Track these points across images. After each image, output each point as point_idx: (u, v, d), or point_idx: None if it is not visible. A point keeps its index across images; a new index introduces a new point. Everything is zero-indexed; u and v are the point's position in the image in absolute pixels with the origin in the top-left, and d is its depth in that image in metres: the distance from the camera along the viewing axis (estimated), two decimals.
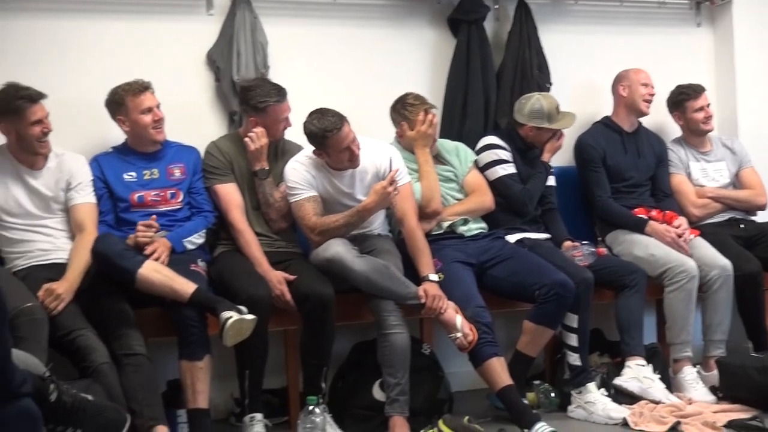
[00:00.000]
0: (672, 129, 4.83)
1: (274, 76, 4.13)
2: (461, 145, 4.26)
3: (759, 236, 4.51)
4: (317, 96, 4.16)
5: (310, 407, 3.32)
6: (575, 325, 3.84)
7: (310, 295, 3.51)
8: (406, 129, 4.01)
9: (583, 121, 4.63)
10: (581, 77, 4.82)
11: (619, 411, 3.78)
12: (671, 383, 4.09)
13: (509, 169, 4.23)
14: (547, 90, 4.57)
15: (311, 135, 3.66)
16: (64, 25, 3.96)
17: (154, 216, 3.53)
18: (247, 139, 3.75)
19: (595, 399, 3.83)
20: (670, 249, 4.23)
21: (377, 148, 3.84)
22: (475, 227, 4.09)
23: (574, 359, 3.88)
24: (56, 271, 3.38)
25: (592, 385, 3.87)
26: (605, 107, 4.68)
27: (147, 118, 3.67)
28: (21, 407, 1.91)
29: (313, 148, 3.73)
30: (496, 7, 4.69)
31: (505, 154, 4.25)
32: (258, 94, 3.76)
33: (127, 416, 2.41)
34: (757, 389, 3.84)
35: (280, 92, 3.80)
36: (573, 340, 3.86)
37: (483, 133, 4.40)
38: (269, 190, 3.78)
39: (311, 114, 3.66)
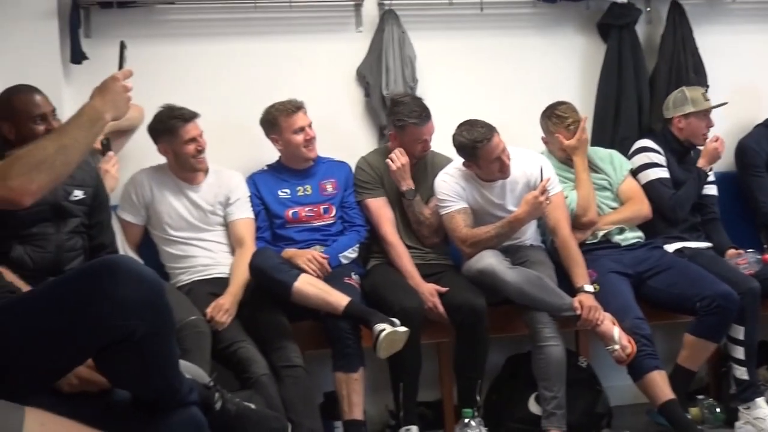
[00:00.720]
0: None
1: (423, 89, 4.15)
2: (615, 153, 4.15)
3: None
4: (466, 107, 4.15)
5: (466, 420, 3.30)
6: (741, 337, 3.66)
7: (462, 307, 3.50)
8: (562, 139, 3.93)
9: (744, 125, 4.45)
10: (740, 79, 4.59)
11: None
12: None
13: (661, 173, 4.08)
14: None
15: (461, 147, 3.65)
16: (217, 48, 4.11)
17: (326, 256, 3.58)
18: (388, 160, 3.77)
19: (765, 415, 3.62)
20: None
21: (527, 158, 3.79)
22: (632, 236, 3.96)
23: (741, 373, 3.68)
24: (218, 285, 3.51)
25: (761, 401, 3.66)
26: (766, 109, 4.45)
27: (299, 138, 3.76)
28: (188, 415, 1.97)
29: (462, 160, 3.72)
30: (648, 9, 4.54)
31: (658, 158, 4.10)
32: (400, 111, 3.79)
33: (288, 425, 2.46)
34: None
35: (422, 114, 3.80)
36: (739, 353, 3.67)
37: (637, 140, 4.28)
38: (419, 208, 3.79)
39: (460, 126, 3.66)
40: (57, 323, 1.65)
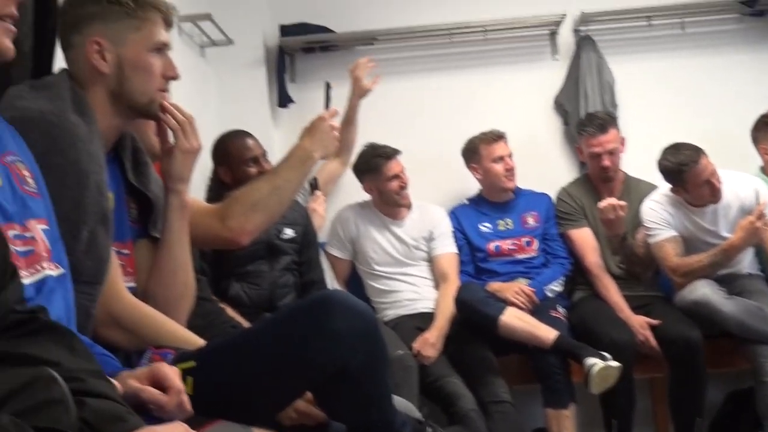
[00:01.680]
0: None
1: (623, 114, 4.05)
2: None
3: None
4: (669, 130, 3.98)
5: None
6: None
7: (676, 340, 3.34)
8: None
9: None
10: None
11: None
12: None
13: None
14: None
15: (667, 171, 3.51)
16: (416, 84, 4.20)
17: (533, 289, 3.54)
18: (602, 209, 3.58)
19: None
20: None
21: (740, 181, 3.59)
22: None
23: None
24: (423, 319, 3.53)
25: None
26: None
27: (498, 167, 3.75)
28: None
29: (668, 185, 3.57)
30: None
31: None
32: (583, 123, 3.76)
33: None
34: None
35: (603, 124, 3.71)
36: None
37: None
38: (630, 249, 3.63)
39: (665, 150, 3.51)
40: (277, 358, 1.70)
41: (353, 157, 3.79)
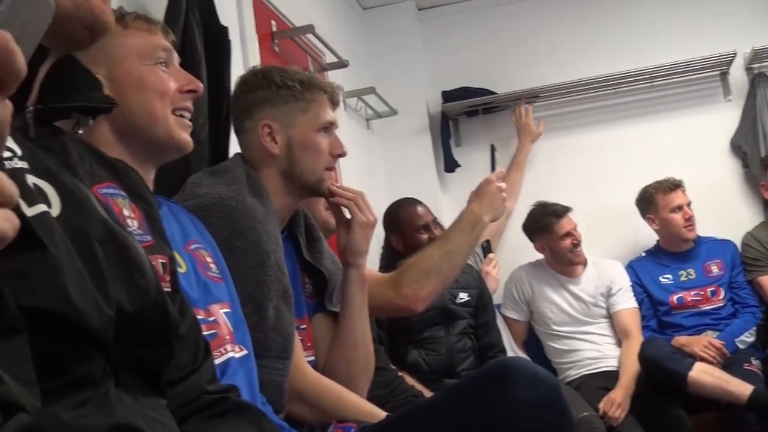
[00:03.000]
0: None
1: None
2: None
3: None
4: None
5: None
6: None
7: None
8: None
9: None
10: None
11: None
12: None
13: None
14: None
15: None
16: (583, 138, 4.15)
17: (722, 342, 3.39)
18: None
19: None
20: None
21: None
22: None
23: None
24: (607, 378, 3.42)
25: None
26: None
27: (677, 217, 3.63)
28: None
29: None
30: None
31: None
32: None
33: None
34: None
35: None
36: None
37: None
38: None
39: None
40: (461, 429, 1.69)
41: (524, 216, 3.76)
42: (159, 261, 1.18)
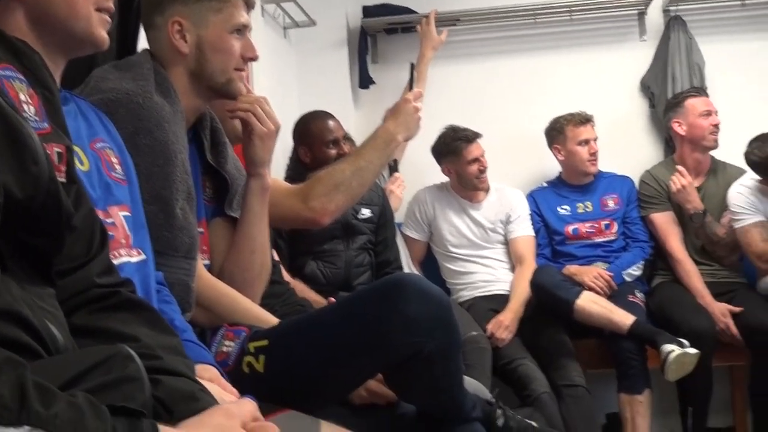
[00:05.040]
0: None
1: (713, 97, 3.93)
2: None
3: None
4: (760, 115, 3.90)
5: None
6: None
7: (758, 329, 3.27)
8: None
9: None
10: None
11: None
12: None
13: None
14: None
15: (754, 165, 3.42)
16: (499, 65, 4.17)
17: (611, 273, 3.52)
18: (669, 182, 3.60)
19: None
20: None
21: None
22: None
23: None
24: (498, 302, 3.53)
25: None
26: None
27: (583, 150, 3.71)
28: (472, 430, 1.99)
29: None
30: None
31: None
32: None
33: None
34: None
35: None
36: None
37: None
38: (711, 229, 3.57)
39: (751, 142, 3.42)
40: (350, 340, 1.73)
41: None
42: (55, 150, 1.16)
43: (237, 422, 1.01)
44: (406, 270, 3.43)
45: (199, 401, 1.11)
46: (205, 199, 1.96)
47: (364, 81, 4.09)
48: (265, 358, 1.76)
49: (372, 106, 3.89)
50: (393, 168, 3.70)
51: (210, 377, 1.49)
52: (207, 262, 1.94)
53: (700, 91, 3.81)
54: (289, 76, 3.95)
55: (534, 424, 2.37)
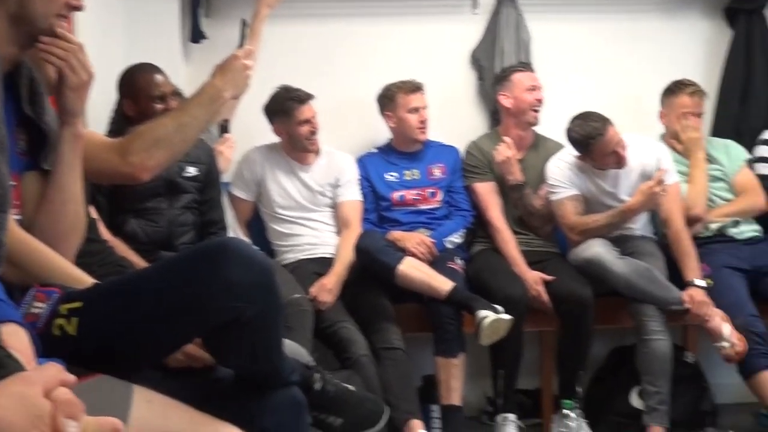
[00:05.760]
0: None
1: (538, 73, 4.08)
2: (731, 143, 4.01)
3: None
4: (583, 93, 4.12)
5: (565, 411, 3.27)
6: None
7: (568, 297, 3.47)
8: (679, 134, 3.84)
9: None
10: None
11: None
12: None
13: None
14: None
15: (574, 142, 3.59)
16: (333, 28, 4.15)
17: (433, 240, 3.59)
18: (494, 152, 3.74)
19: None
20: None
21: (645, 146, 3.70)
22: (748, 230, 3.83)
23: None
24: (322, 265, 3.56)
25: None
26: None
27: (413, 118, 3.77)
28: (289, 395, 2.00)
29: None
30: None
31: None
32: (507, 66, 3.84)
33: (385, 408, 2.47)
34: None
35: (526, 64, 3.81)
36: None
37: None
38: (528, 200, 3.74)
39: (574, 120, 3.59)
40: (168, 303, 1.70)
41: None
42: None
43: (38, 389, 0.97)
44: (231, 232, 3.40)
45: (5, 368, 1.06)
46: (18, 152, 1.86)
47: (196, 35, 3.98)
48: (78, 321, 1.71)
49: (203, 62, 3.76)
50: (224, 128, 3.63)
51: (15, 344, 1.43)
52: (18, 216, 1.84)
53: (527, 66, 3.95)
54: (117, 26, 3.77)
55: (352, 387, 2.42)
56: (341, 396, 2.33)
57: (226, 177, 3.59)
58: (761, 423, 3.62)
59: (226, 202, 3.52)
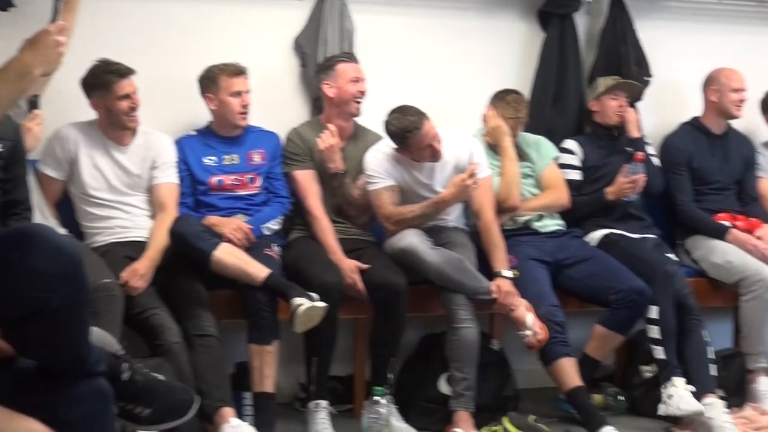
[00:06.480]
0: (764, 130, 4.64)
1: (360, 64, 4.13)
2: (543, 140, 4.23)
3: None
4: (401, 85, 4.20)
5: (376, 398, 3.34)
6: (656, 316, 3.70)
7: (382, 285, 3.53)
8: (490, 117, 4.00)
9: (673, 121, 4.53)
10: (673, 75, 4.68)
11: (691, 405, 3.58)
12: (746, 393, 4.01)
13: (570, 174, 4.21)
14: (647, 84, 4.49)
15: (392, 135, 3.67)
16: (156, 6, 4.02)
17: (250, 226, 3.57)
18: (317, 139, 3.77)
19: (676, 393, 3.61)
20: (748, 256, 4.10)
21: (459, 140, 3.83)
22: (552, 224, 4.05)
23: (659, 353, 3.70)
24: (135, 248, 3.46)
25: (677, 380, 3.65)
26: (696, 106, 4.53)
27: (235, 102, 3.72)
28: (95, 385, 1.96)
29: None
30: (590, 1, 4.56)
31: (571, 159, 4.23)
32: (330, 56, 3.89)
33: (196, 398, 2.44)
34: None
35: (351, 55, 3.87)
36: (655, 332, 3.70)
37: (576, 131, 4.40)
38: (347, 189, 3.79)
39: (391, 113, 3.66)
40: None
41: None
42: None
43: None
44: (37, 213, 3.23)
45: None
46: None
47: (2, 3, 3.75)
48: None
49: (11, 32, 3.56)
50: (33, 104, 3.44)
51: None
52: None
53: (351, 57, 3.99)
54: None
55: (161, 377, 2.39)
56: (150, 385, 2.29)
57: (34, 155, 3.42)
58: (558, 407, 3.84)
59: (32, 181, 3.34)
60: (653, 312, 3.71)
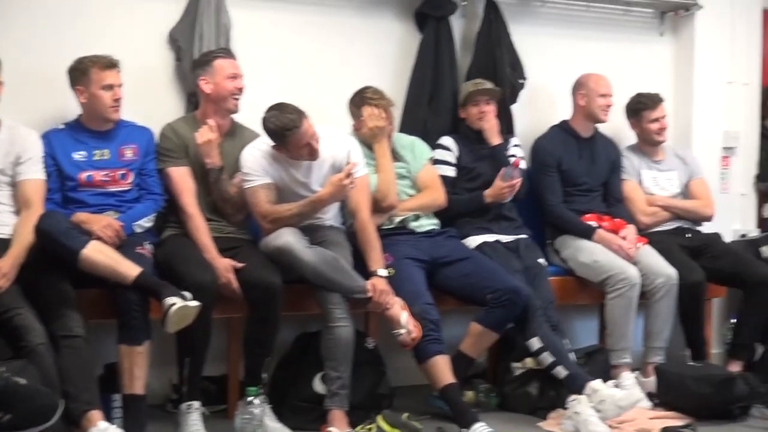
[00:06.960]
0: (629, 134, 4.85)
1: (237, 60, 4.08)
2: (417, 141, 4.28)
3: (704, 246, 4.58)
4: (278, 82, 4.19)
5: (249, 398, 3.32)
6: (539, 345, 3.79)
7: (257, 284, 3.51)
8: (365, 124, 4.02)
9: (544, 124, 4.67)
10: (544, 79, 4.83)
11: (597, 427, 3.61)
12: None
13: (445, 170, 4.30)
14: (521, 87, 4.61)
15: (270, 132, 3.64)
16: None
17: (121, 223, 3.47)
18: (196, 133, 3.71)
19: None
20: (614, 256, 4.27)
21: (336, 139, 3.83)
22: (427, 223, 4.11)
23: (559, 372, 3.76)
24: None
25: (584, 398, 3.65)
26: (567, 110, 4.68)
27: (107, 96, 3.61)
28: None
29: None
30: (465, 3, 4.66)
31: (445, 155, 4.33)
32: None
33: (59, 402, 2.37)
34: (692, 397, 3.96)
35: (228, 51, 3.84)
36: (548, 359, 3.79)
37: (451, 131, 4.47)
38: (224, 186, 3.74)
39: (269, 110, 3.63)
40: None
41: None
42: None
43: None
44: None
45: None
46: None
47: None
48: None
49: None
50: None
51: None
52: None
53: (229, 53, 3.93)
54: None
55: (23, 381, 2.31)
56: (10, 390, 2.22)
57: None
58: (432, 404, 3.91)
59: None
60: (535, 343, 3.80)
